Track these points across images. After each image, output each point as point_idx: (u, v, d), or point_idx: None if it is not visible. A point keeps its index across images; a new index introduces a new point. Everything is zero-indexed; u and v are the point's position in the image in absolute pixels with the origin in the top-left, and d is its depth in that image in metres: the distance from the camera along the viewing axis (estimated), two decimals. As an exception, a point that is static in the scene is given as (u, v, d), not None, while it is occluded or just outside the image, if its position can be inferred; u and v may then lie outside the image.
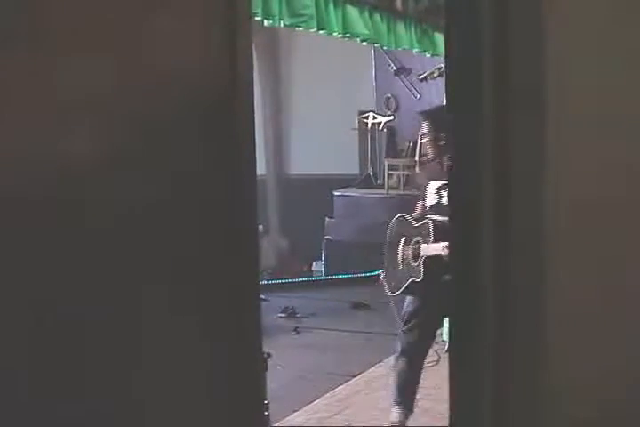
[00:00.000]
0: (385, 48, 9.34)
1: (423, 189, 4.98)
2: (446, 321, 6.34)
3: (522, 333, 1.48)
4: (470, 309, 1.52)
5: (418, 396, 4.79)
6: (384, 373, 5.67)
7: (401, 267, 4.87)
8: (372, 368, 5.93)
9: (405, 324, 4.77)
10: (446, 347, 6.23)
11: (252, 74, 2.56)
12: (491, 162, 1.52)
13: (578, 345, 1.53)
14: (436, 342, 6.49)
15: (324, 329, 7.14)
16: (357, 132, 11.26)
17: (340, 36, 7.40)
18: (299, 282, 9.27)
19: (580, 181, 1.55)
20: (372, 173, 11.14)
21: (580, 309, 1.53)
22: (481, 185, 1.53)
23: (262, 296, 2.26)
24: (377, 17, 7.86)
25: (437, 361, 5.92)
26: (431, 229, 4.67)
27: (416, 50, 9.04)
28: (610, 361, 1.57)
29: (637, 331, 1.58)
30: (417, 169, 10.59)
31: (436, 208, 4.75)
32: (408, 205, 10.24)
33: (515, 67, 1.51)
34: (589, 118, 1.53)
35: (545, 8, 1.52)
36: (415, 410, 4.79)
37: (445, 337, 6.37)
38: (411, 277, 4.75)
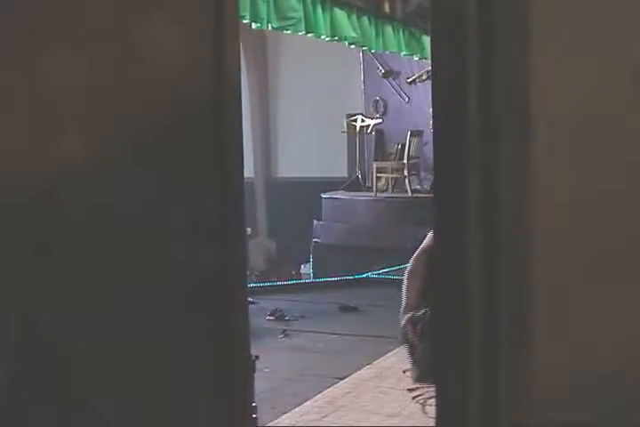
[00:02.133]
0: (373, 51, 9.36)
1: None
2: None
3: (508, 333, 1.50)
4: (456, 309, 1.53)
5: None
6: (372, 375, 5.67)
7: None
8: (361, 371, 5.92)
9: None
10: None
11: (240, 77, 2.57)
12: (477, 166, 1.53)
13: (568, 347, 1.54)
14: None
15: (313, 332, 7.14)
16: (346, 134, 11.27)
17: (327, 39, 7.41)
18: (287, 285, 9.26)
19: (565, 186, 1.56)
20: (360, 176, 11.15)
21: (570, 310, 1.54)
22: (466, 189, 1.54)
23: (250, 299, 2.26)
24: (365, 20, 7.88)
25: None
26: None
27: (404, 53, 9.06)
28: (602, 364, 1.58)
29: (633, 331, 1.59)
30: (405, 172, 10.66)
31: None
32: (396, 207, 10.30)
33: (499, 70, 1.52)
34: (574, 124, 1.55)
35: (531, 12, 1.53)
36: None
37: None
38: None
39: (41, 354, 2.09)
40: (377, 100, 11.56)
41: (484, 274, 1.49)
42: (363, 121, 11.13)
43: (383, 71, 11.48)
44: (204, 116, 2.40)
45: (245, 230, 2.61)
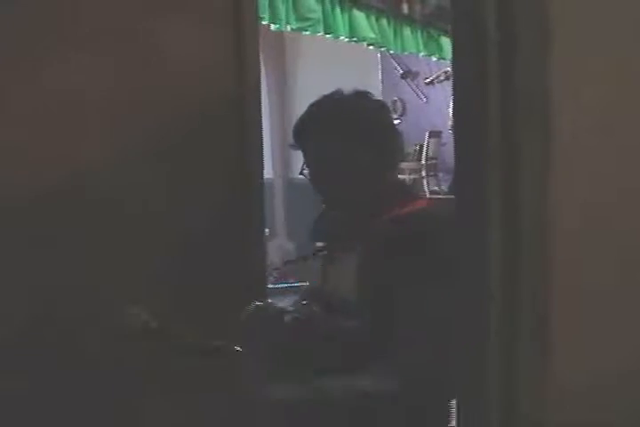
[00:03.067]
0: (392, 52, 9.36)
1: None
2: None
3: (529, 333, 1.50)
4: (477, 309, 1.53)
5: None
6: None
7: None
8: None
9: None
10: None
11: (260, 78, 2.58)
12: (498, 165, 1.53)
13: (589, 347, 1.55)
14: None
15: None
16: (364, 135, 11.28)
17: (346, 39, 7.42)
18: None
19: (586, 186, 1.56)
20: (378, 177, 11.15)
21: (591, 309, 1.54)
22: (487, 189, 1.54)
23: (269, 300, 2.28)
24: (383, 21, 7.88)
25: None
26: None
27: (422, 53, 9.06)
28: (623, 364, 1.58)
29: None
30: (423, 173, 10.65)
31: None
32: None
33: (520, 70, 1.53)
34: (595, 124, 1.55)
35: (551, 11, 1.53)
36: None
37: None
38: None
39: None
40: (395, 101, 11.57)
41: (505, 274, 1.49)
42: (381, 122, 11.12)
43: (401, 72, 11.48)
44: (224, 117, 2.41)
45: (264, 232, 2.62)
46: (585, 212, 1.50)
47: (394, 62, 11.39)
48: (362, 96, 2.49)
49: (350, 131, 2.29)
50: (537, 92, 1.49)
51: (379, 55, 11.08)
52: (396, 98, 11.57)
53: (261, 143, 2.55)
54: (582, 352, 1.48)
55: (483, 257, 1.49)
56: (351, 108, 2.39)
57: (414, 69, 11.45)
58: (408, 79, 11.55)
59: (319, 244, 2.47)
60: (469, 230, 1.54)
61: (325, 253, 2.42)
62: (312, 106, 2.42)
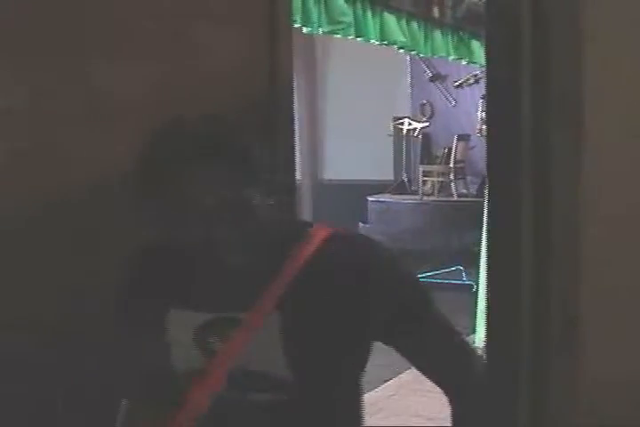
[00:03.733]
0: (421, 55, 9.36)
1: None
2: (479, 326, 6.37)
3: (560, 335, 1.51)
4: (509, 310, 1.55)
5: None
6: (413, 378, 5.69)
7: None
8: (403, 374, 5.94)
9: None
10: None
11: (293, 79, 2.60)
12: (530, 168, 1.55)
13: (620, 349, 1.56)
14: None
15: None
16: (392, 138, 11.29)
17: (377, 43, 7.43)
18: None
19: (618, 187, 1.57)
20: (406, 179, 11.16)
21: (623, 311, 1.55)
22: (520, 194, 1.56)
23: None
24: (414, 24, 7.89)
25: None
26: None
27: (452, 57, 9.05)
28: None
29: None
30: (451, 176, 10.66)
31: None
32: (441, 211, 10.29)
33: (553, 73, 1.54)
34: (629, 128, 1.56)
35: (585, 13, 1.55)
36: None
37: (477, 343, 6.40)
38: None
39: None
40: (424, 104, 11.56)
41: (536, 274, 1.51)
42: (409, 124, 11.14)
43: (430, 75, 11.48)
44: (257, 118, 2.43)
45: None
46: (617, 212, 1.52)
47: (423, 65, 11.38)
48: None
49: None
50: (570, 93, 1.50)
51: (408, 58, 11.08)
52: (424, 101, 11.56)
53: (293, 144, 2.57)
54: (613, 352, 1.49)
55: (515, 258, 1.51)
56: None
57: (443, 72, 11.44)
58: (437, 82, 11.54)
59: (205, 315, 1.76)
60: (502, 232, 1.56)
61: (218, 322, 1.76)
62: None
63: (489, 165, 1.61)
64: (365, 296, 1.71)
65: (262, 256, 1.72)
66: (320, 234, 1.77)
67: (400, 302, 1.76)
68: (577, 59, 1.51)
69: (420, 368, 1.85)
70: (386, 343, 1.81)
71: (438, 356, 1.83)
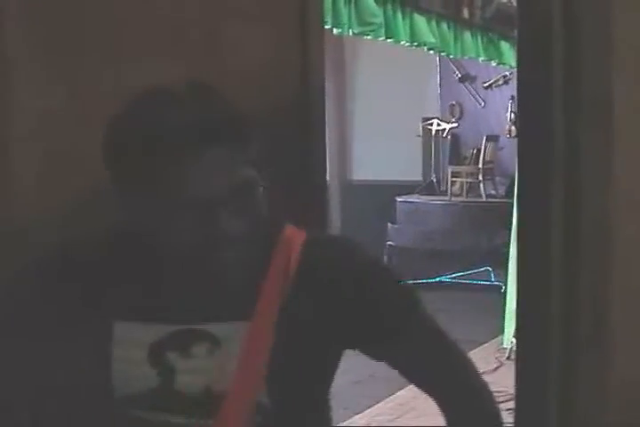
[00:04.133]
0: (451, 56, 9.34)
1: None
2: (507, 326, 6.38)
3: (589, 333, 1.52)
4: (538, 309, 1.56)
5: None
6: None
7: None
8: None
9: None
10: (507, 354, 6.25)
11: (324, 81, 2.62)
12: (561, 174, 1.56)
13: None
14: (497, 350, 6.51)
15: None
16: (421, 138, 11.27)
17: (407, 44, 7.43)
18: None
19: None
20: (435, 180, 11.14)
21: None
22: (550, 195, 1.57)
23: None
24: (444, 25, 7.88)
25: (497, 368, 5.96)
26: None
27: (482, 58, 9.03)
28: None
29: None
30: (480, 177, 10.64)
31: None
32: (470, 212, 10.26)
33: (583, 74, 1.55)
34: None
35: (615, 13, 1.55)
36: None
37: (506, 344, 6.38)
38: None
39: None
40: (453, 105, 11.53)
41: (565, 274, 1.52)
42: (438, 125, 11.11)
43: (459, 76, 11.46)
44: (290, 119, 2.45)
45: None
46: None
47: (452, 66, 11.36)
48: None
49: None
50: (601, 95, 1.51)
51: (437, 58, 11.05)
52: (453, 102, 11.53)
53: (325, 145, 2.59)
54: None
55: (545, 259, 1.52)
56: None
57: (472, 73, 11.41)
58: (466, 83, 11.51)
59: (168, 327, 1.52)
60: (532, 232, 1.57)
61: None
62: None
63: (519, 166, 1.62)
64: (351, 304, 1.55)
65: (241, 260, 1.46)
66: (295, 238, 1.57)
67: (386, 306, 1.59)
68: (608, 61, 1.52)
69: (408, 376, 1.69)
70: (371, 354, 1.65)
71: (426, 360, 1.67)
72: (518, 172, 1.65)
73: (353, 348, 1.62)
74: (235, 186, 1.40)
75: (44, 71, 2.16)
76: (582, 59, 1.56)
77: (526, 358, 1.62)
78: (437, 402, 1.67)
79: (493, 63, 9.48)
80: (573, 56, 1.56)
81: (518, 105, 1.68)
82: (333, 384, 1.68)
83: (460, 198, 10.62)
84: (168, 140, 1.37)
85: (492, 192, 10.69)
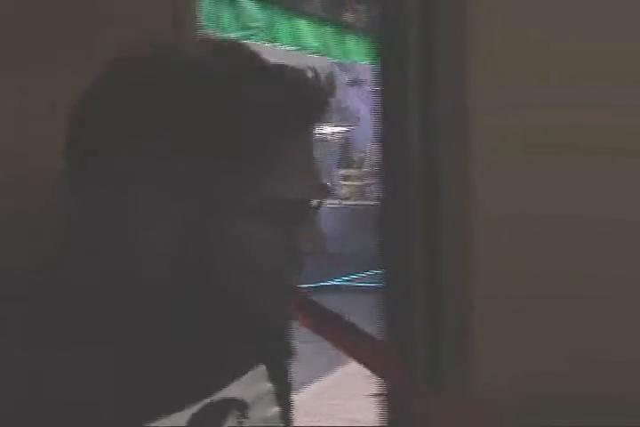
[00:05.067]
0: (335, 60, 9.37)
1: None
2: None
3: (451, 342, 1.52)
4: (402, 318, 1.56)
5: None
6: (334, 382, 5.69)
7: None
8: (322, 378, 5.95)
9: None
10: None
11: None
12: (418, 182, 1.56)
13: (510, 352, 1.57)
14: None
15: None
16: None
17: (290, 48, 7.41)
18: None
19: (511, 205, 1.59)
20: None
21: (515, 320, 1.57)
22: (409, 203, 1.57)
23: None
24: (327, 29, 7.88)
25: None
26: None
27: (367, 62, 9.07)
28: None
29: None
30: (368, 180, 10.69)
31: None
32: (360, 215, 10.30)
33: (440, 86, 1.55)
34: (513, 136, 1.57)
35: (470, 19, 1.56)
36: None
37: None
38: None
39: None
40: (342, 108, 11.59)
41: (429, 288, 1.52)
42: (329, 129, 11.15)
43: (348, 79, 11.51)
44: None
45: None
46: (509, 225, 1.53)
47: (339, 70, 11.40)
48: None
49: None
50: (457, 105, 1.51)
51: (326, 62, 11.08)
52: (343, 105, 11.59)
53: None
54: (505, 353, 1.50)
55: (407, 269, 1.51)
56: None
57: (362, 77, 11.48)
58: (355, 87, 11.58)
59: None
60: (392, 246, 1.57)
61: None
62: None
63: (379, 173, 1.62)
64: None
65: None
66: None
67: None
68: (463, 70, 1.53)
69: None
70: None
71: None
72: (378, 175, 1.64)
73: None
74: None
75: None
76: (439, 67, 1.55)
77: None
78: None
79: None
80: (429, 62, 1.56)
81: (375, 112, 1.67)
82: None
83: (349, 202, 10.67)
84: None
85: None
